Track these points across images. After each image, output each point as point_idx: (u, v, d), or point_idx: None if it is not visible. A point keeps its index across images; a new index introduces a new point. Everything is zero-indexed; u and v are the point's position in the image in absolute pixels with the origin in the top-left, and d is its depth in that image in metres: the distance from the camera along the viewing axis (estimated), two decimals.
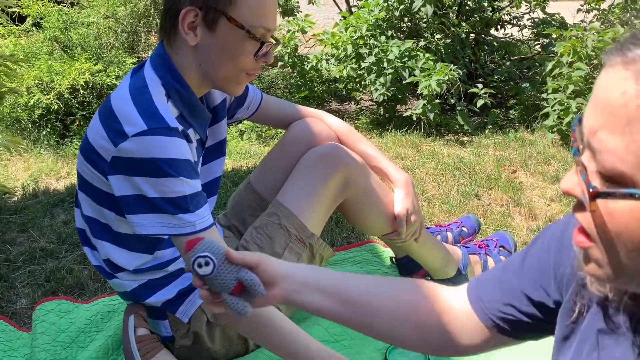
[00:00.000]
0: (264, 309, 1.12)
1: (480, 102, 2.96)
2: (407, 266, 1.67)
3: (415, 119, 3.01)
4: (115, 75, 2.79)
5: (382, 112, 3.30)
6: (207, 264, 0.76)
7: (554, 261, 0.74)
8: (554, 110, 2.77)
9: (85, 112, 2.92)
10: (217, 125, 1.36)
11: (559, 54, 2.84)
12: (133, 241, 1.23)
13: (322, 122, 1.48)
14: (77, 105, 2.84)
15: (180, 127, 1.12)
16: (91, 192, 1.20)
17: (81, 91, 2.69)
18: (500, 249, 1.71)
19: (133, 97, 1.10)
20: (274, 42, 1.16)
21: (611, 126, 0.52)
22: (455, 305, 0.85)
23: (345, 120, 3.38)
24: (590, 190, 0.53)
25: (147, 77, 1.14)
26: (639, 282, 0.56)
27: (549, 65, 2.90)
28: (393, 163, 1.49)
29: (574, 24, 3.40)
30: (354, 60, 3.21)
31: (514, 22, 3.72)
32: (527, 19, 3.69)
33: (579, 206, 0.57)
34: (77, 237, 1.94)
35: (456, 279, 1.60)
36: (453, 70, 2.87)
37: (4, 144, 2.08)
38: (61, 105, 2.66)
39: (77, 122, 2.97)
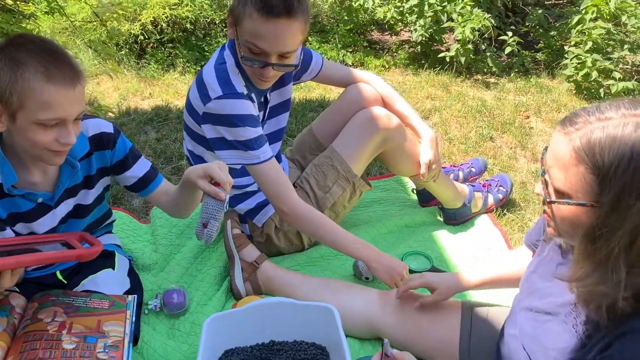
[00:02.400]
0: (321, 216, 1.62)
1: (508, 49, 3.30)
2: (425, 196, 2.17)
3: (448, 60, 3.37)
4: (189, 9, 3.21)
5: (419, 49, 3.65)
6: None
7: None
8: (572, 63, 3.11)
9: (159, 37, 3.37)
10: (283, 88, 1.80)
11: (584, 11, 3.12)
12: None
13: (371, 86, 1.92)
14: (153, 31, 3.28)
15: (246, 92, 1.58)
16: (191, 133, 1.71)
17: (162, 24, 3.12)
18: (500, 188, 2.19)
19: (216, 69, 1.57)
20: (278, 61, 1.48)
21: (557, 166, 0.97)
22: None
23: (385, 54, 3.76)
24: (547, 200, 1.01)
25: (225, 55, 1.60)
26: (572, 240, 1.04)
27: (575, 19, 3.19)
28: (423, 121, 1.93)
29: None
30: (397, 0, 3.52)
31: None
32: None
33: (544, 202, 1.05)
34: (169, 153, 2.48)
35: (461, 209, 2.09)
36: (486, 19, 3.19)
37: (107, 71, 2.57)
38: (146, 36, 3.11)
39: (152, 45, 3.42)
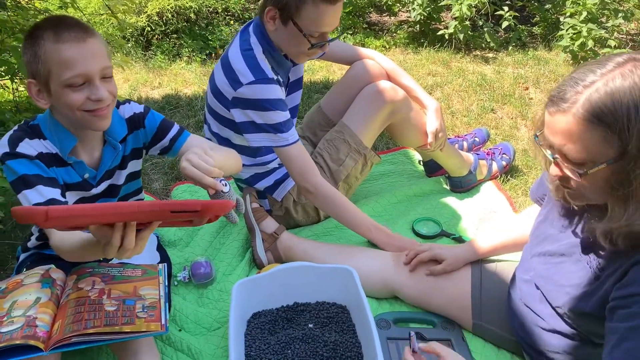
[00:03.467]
0: (342, 197, 1.74)
1: (505, 24, 3.38)
2: (432, 167, 2.27)
3: (447, 37, 3.45)
4: None
5: (418, 28, 3.73)
6: (225, 185, 1.22)
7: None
8: (568, 33, 3.18)
9: (164, 29, 3.45)
10: (297, 66, 1.90)
11: None
12: (242, 149, 1.84)
13: (375, 62, 2.01)
14: (159, 22, 3.36)
15: (275, 77, 1.68)
16: (217, 117, 1.80)
17: (168, 15, 3.20)
18: (503, 155, 2.28)
19: (243, 56, 1.66)
20: (327, 40, 1.64)
21: (571, 141, 1.01)
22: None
23: (385, 34, 3.83)
24: (580, 173, 1.03)
25: (251, 41, 1.68)
26: (597, 200, 1.09)
27: None
28: (427, 93, 2.02)
29: None
30: None
31: None
32: None
33: (566, 181, 1.08)
34: None
35: (467, 176, 2.18)
36: None
37: (119, 63, 2.66)
38: (152, 27, 3.20)
39: (157, 37, 3.51)
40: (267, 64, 1.67)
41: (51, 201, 1.31)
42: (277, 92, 1.65)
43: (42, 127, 1.38)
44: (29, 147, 1.35)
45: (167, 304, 1.42)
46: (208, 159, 1.22)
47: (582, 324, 1.18)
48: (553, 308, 1.23)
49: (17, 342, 1.19)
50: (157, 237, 1.82)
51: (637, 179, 0.98)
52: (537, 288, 1.29)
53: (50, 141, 1.37)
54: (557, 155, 1.06)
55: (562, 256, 1.23)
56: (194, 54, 3.47)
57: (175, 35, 3.49)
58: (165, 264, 1.57)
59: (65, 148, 1.37)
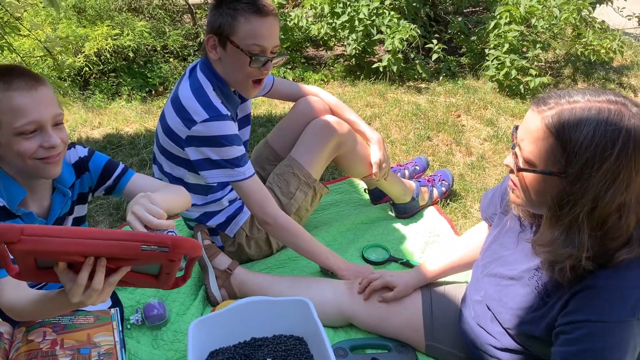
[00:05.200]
0: (299, 227, 1.78)
1: (435, 56, 3.57)
2: (376, 194, 2.36)
3: (381, 69, 3.61)
4: (130, 38, 3.28)
5: (354, 62, 3.87)
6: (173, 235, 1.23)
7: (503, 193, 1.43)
8: (493, 64, 3.41)
9: (102, 67, 3.41)
10: (245, 103, 1.96)
11: (498, 16, 3.44)
12: (195, 187, 1.86)
13: (319, 98, 2.09)
14: (97, 62, 3.33)
15: (229, 113, 1.72)
16: (169, 156, 1.80)
17: (106, 54, 3.18)
18: (443, 182, 2.41)
19: (195, 94, 1.68)
20: (272, 55, 1.67)
21: (528, 139, 1.12)
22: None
23: (322, 68, 3.95)
24: (519, 167, 1.14)
25: (200, 79, 1.72)
26: (533, 207, 1.20)
27: (492, 24, 3.51)
28: (369, 126, 2.11)
29: None
30: (329, 15, 3.74)
31: None
32: None
33: (512, 172, 1.19)
34: None
35: (410, 203, 2.29)
36: (413, 30, 3.45)
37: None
38: (91, 68, 3.16)
39: (94, 75, 3.46)
40: (219, 100, 1.70)
41: None
42: (231, 127, 1.68)
43: None
44: None
45: (122, 350, 1.40)
46: (155, 209, 1.17)
47: (533, 345, 1.26)
48: (504, 328, 1.31)
49: None
50: None
51: (568, 205, 1.07)
52: (489, 309, 1.37)
53: None
54: (517, 147, 1.15)
55: (511, 279, 1.30)
56: (134, 92, 3.45)
57: (113, 74, 3.46)
58: (118, 308, 1.55)
59: (14, 200, 1.34)
